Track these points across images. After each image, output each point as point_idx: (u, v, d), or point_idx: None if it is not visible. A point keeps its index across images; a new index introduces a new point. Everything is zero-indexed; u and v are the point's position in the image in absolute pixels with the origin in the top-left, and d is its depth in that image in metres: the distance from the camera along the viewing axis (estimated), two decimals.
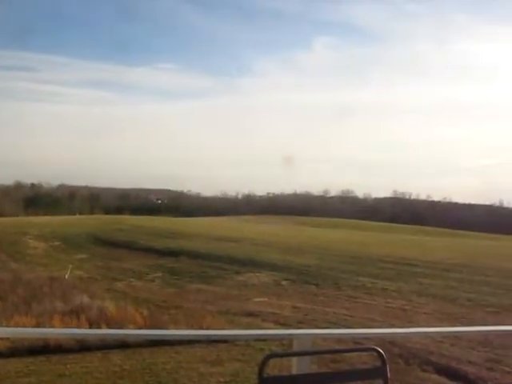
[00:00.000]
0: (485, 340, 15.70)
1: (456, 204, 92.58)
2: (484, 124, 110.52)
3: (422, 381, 14.06)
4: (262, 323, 19.73)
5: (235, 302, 23.68)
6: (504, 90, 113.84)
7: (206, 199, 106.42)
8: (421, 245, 46.43)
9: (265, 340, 14.53)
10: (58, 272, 31.12)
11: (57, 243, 44.48)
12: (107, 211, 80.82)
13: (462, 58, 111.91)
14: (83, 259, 37.77)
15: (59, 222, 57.47)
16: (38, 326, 16.69)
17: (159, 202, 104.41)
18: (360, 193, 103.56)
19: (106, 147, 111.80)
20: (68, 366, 14.58)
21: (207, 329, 17.05)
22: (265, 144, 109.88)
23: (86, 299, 21.19)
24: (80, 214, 77.17)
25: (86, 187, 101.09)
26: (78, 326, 16.98)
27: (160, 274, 31.84)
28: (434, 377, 14.29)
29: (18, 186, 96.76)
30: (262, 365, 2.89)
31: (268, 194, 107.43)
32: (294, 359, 3.18)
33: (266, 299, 24.43)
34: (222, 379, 13.76)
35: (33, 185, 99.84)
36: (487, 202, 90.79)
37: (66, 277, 29.64)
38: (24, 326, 15.54)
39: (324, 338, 7.51)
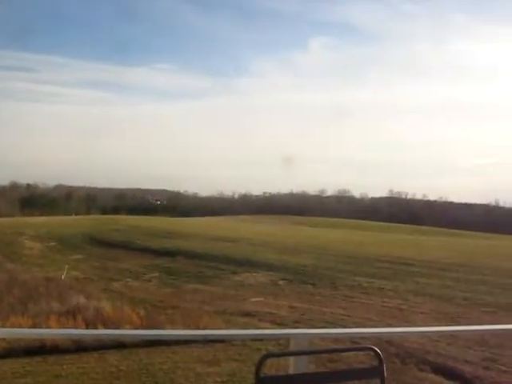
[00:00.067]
0: (481, 339, 15.74)
1: (452, 203, 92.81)
2: (481, 124, 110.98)
3: (418, 380, 14.09)
4: (258, 323, 19.74)
5: (232, 301, 23.66)
6: (502, 90, 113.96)
7: (202, 199, 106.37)
8: (417, 244, 46.53)
9: (262, 340, 14.54)
10: (54, 272, 31.04)
11: (53, 244, 44.36)
12: (104, 211, 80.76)
13: (460, 58, 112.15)
14: (79, 259, 37.67)
15: (55, 223, 57.34)
16: (34, 326, 16.64)
17: (158, 202, 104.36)
18: (356, 192, 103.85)
19: (104, 147, 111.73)
20: (64, 366, 14.55)
21: (204, 329, 17.04)
22: (262, 144, 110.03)
23: (82, 300, 21.14)
24: (76, 214, 77.07)
25: (83, 187, 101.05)
26: (75, 327, 16.95)
27: (157, 274, 31.80)
28: (431, 376, 14.33)
29: (14, 187, 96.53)
30: (259, 365, 2.88)
31: (264, 193, 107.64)
32: (291, 359, 3.17)
33: (262, 299, 24.43)
34: (218, 379, 13.76)
35: (28, 185, 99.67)
36: (484, 202, 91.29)
37: (63, 277, 29.57)
38: (20, 327, 15.51)
39: (321, 337, 7.50)
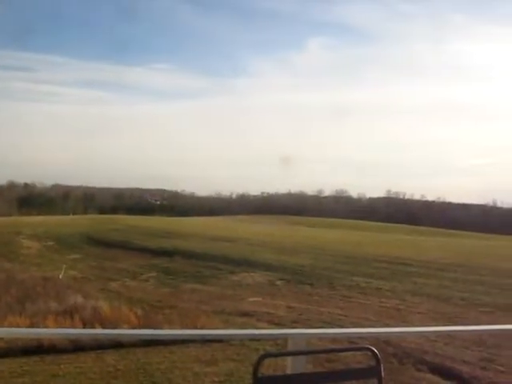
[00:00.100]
0: (479, 339, 15.76)
1: (450, 204, 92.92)
2: (478, 124, 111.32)
3: (416, 380, 14.10)
4: (256, 323, 19.74)
5: (230, 301, 23.66)
6: (499, 90, 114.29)
7: (200, 199, 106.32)
8: (415, 244, 46.56)
9: (259, 340, 14.53)
10: (52, 272, 31.02)
11: (50, 243, 44.31)
12: (102, 211, 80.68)
13: (458, 59, 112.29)
14: (77, 259, 37.64)
15: (53, 222, 57.26)
16: (31, 326, 16.64)
17: (157, 202, 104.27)
18: (354, 193, 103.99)
19: (102, 147, 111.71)
20: (62, 366, 14.53)
21: (202, 328, 17.04)
22: (260, 144, 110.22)
23: (79, 299, 21.13)
24: (74, 213, 76.94)
25: (80, 187, 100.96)
26: (72, 326, 16.94)
27: (154, 274, 31.77)
28: (429, 376, 14.34)
29: (12, 186, 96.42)
30: (257, 364, 2.88)
31: (262, 193, 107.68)
32: (289, 359, 3.18)
33: (260, 299, 24.43)
34: (216, 379, 13.76)
35: (26, 184, 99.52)
36: (481, 202, 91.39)
37: (60, 277, 29.55)
38: (18, 326, 15.49)
39: (319, 337, 7.52)
